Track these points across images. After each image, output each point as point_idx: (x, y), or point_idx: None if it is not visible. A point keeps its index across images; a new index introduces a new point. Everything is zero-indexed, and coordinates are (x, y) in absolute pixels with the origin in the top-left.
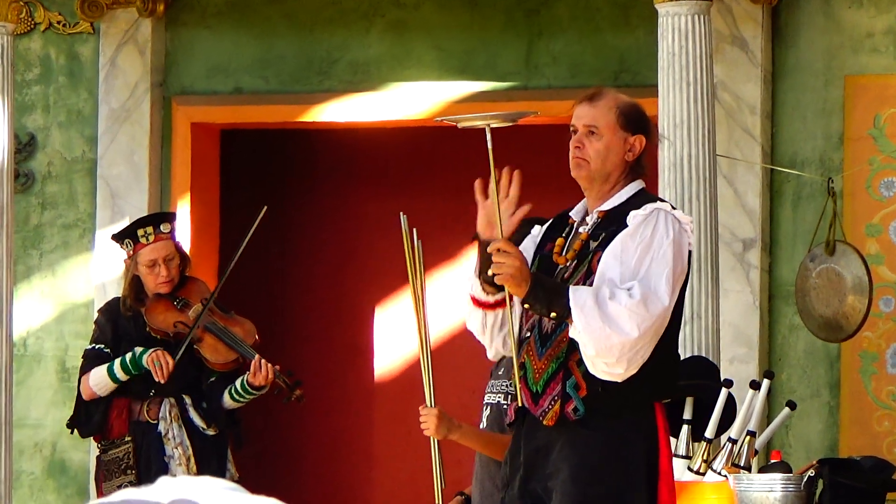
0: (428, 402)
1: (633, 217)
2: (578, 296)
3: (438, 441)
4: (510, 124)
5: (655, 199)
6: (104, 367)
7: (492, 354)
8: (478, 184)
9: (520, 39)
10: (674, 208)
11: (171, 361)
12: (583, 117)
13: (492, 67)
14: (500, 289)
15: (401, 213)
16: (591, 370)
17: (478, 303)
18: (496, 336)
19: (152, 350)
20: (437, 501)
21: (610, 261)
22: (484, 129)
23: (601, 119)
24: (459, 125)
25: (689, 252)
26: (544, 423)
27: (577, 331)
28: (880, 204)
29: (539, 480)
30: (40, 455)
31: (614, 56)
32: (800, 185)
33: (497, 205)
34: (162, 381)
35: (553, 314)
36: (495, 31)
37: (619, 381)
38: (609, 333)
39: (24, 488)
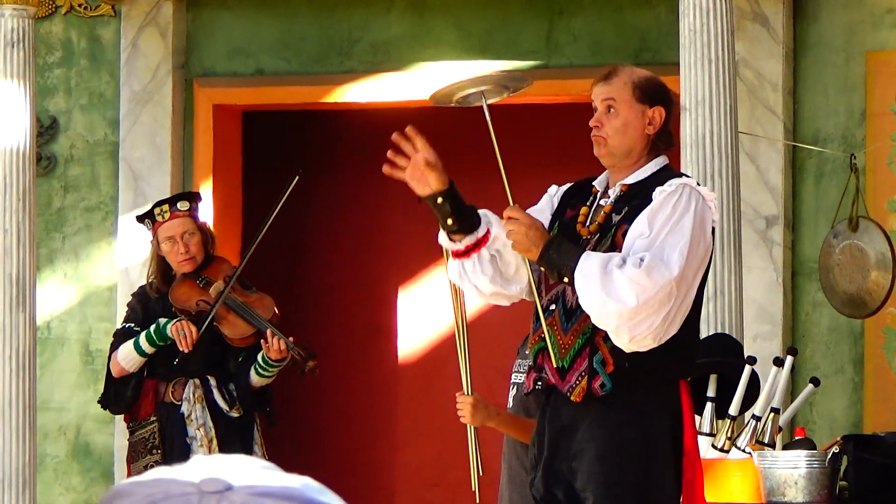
0: (465, 390)
1: (660, 192)
2: (586, 262)
3: (476, 429)
4: (506, 96)
5: (680, 174)
6: (130, 342)
7: (498, 300)
8: (386, 167)
9: (540, 18)
10: (698, 184)
11: (195, 330)
12: (599, 95)
13: (512, 46)
14: (464, 233)
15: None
16: (615, 342)
17: (452, 253)
18: (477, 279)
19: (176, 320)
20: (473, 487)
21: (635, 235)
22: (482, 104)
23: (617, 95)
24: (455, 99)
25: (714, 229)
26: (572, 398)
27: (579, 298)
28: None
29: (564, 460)
30: (64, 438)
31: (635, 34)
32: (822, 161)
33: (503, 175)
34: (186, 350)
35: (566, 279)
36: (516, 10)
37: (643, 350)
38: (606, 301)
39: (49, 471)
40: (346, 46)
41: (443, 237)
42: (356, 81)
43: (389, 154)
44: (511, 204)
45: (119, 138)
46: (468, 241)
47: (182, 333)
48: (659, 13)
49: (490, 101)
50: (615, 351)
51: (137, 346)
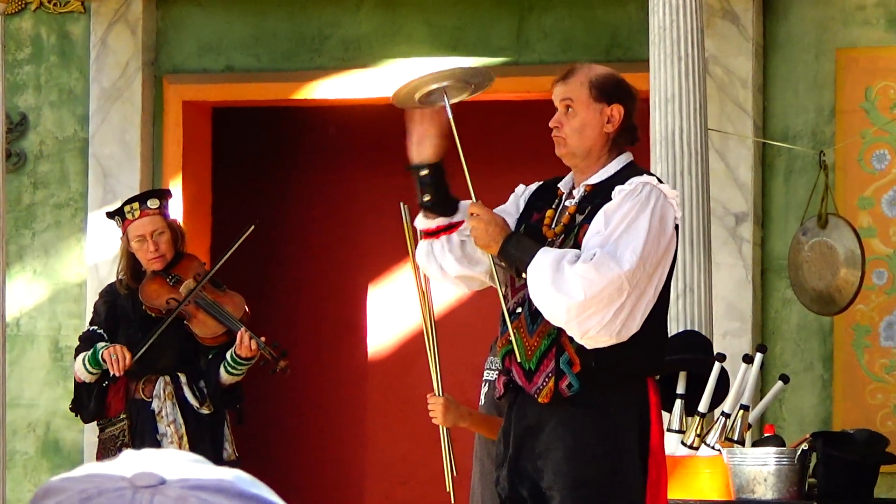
0: (436, 391)
1: (619, 191)
2: (540, 258)
3: (448, 429)
4: (468, 95)
5: (643, 172)
6: (82, 356)
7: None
8: (410, 112)
9: (511, 15)
10: (660, 182)
11: (129, 356)
12: (558, 95)
13: (483, 43)
14: (440, 214)
15: (401, 204)
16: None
17: (423, 233)
18: (444, 259)
19: (109, 345)
20: (448, 488)
21: (591, 233)
22: (444, 104)
23: (574, 94)
24: (417, 97)
25: (677, 227)
26: (539, 400)
27: (530, 292)
28: (872, 177)
29: (530, 459)
30: (34, 435)
31: (605, 31)
32: (792, 158)
33: (466, 171)
34: (118, 374)
35: (523, 274)
36: (486, 7)
37: (602, 346)
38: (555, 296)
39: (18, 468)
40: (316, 43)
41: (419, 216)
42: (327, 78)
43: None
44: (473, 200)
45: (89, 135)
46: (440, 221)
47: (114, 357)
48: (629, 10)
49: (452, 101)
50: (581, 351)
51: (84, 365)
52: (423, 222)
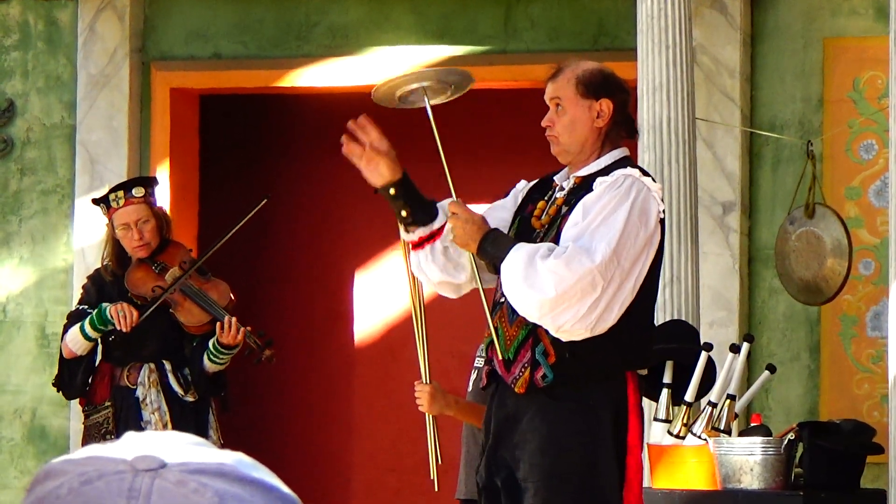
0: (423, 378)
1: (600, 183)
2: (514, 254)
3: (434, 417)
4: (448, 96)
5: (631, 165)
6: (78, 324)
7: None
8: (345, 150)
9: (498, 3)
10: (646, 174)
11: (136, 313)
12: (548, 94)
13: (470, 31)
14: (418, 225)
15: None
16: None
17: (410, 247)
18: (431, 271)
19: (117, 303)
20: (431, 475)
21: (569, 224)
22: (425, 105)
23: (562, 93)
24: (397, 96)
25: (663, 220)
26: (515, 390)
27: (503, 288)
28: (859, 167)
29: (507, 448)
30: (20, 421)
31: (593, 20)
32: (779, 147)
33: (447, 171)
34: (125, 329)
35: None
36: None
37: (579, 339)
38: (527, 291)
39: (4, 454)
40: (303, 31)
41: (401, 230)
42: (314, 65)
43: (344, 139)
44: (454, 198)
45: (76, 121)
46: (421, 232)
47: (122, 314)
48: None
49: (433, 102)
50: (556, 342)
51: (83, 330)
52: (406, 236)
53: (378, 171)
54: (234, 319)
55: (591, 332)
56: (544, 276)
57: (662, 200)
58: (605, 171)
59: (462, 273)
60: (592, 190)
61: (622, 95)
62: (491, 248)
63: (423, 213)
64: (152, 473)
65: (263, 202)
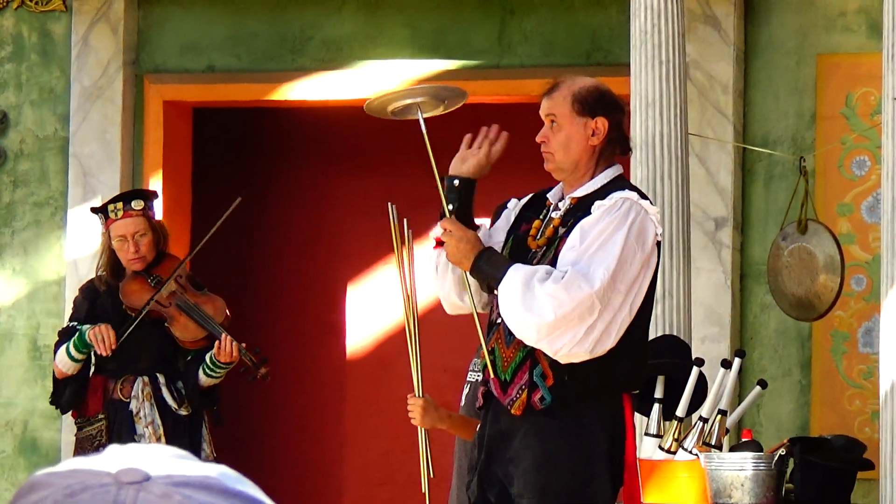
0: (416, 392)
1: (598, 206)
2: (512, 276)
3: (426, 430)
4: (441, 111)
5: (627, 187)
6: (64, 346)
7: (449, 307)
8: (469, 135)
9: (492, 18)
10: (644, 197)
11: (113, 334)
12: (543, 110)
13: (464, 46)
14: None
15: (389, 204)
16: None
17: (437, 241)
18: (445, 276)
19: (95, 325)
20: (423, 489)
21: (567, 248)
22: (418, 118)
23: (558, 110)
24: (390, 110)
25: (659, 243)
26: (512, 412)
27: (500, 310)
28: (852, 183)
29: (501, 464)
30: (11, 434)
31: (586, 35)
32: (772, 163)
33: (440, 187)
34: (104, 355)
35: (495, 291)
36: (468, 10)
37: (577, 361)
38: (525, 315)
39: None
40: (297, 44)
41: (437, 227)
42: (308, 79)
43: (483, 129)
44: (447, 215)
45: (69, 134)
46: None
47: (99, 338)
48: (610, 14)
49: (426, 115)
50: (555, 364)
51: (68, 352)
52: (438, 230)
53: (467, 161)
54: (230, 338)
55: (590, 354)
56: (543, 301)
57: (660, 223)
58: (602, 192)
59: (468, 298)
60: (590, 212)
61: (618, 114)
62: (486, 267)
63: (464, 220)
64: (137, 486)
65: (237, 201)
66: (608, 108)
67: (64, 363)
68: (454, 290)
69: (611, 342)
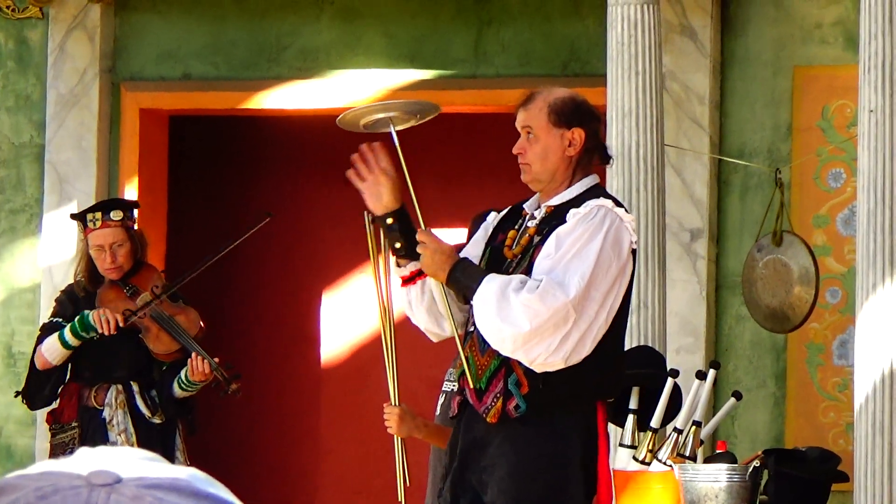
0: (392, 401)
1: (573, 214)
2: (486, 286)
3: (402, 439)
4: (413, 123)
5: (602, 195)
6: (55, 334)
7: (432, 336)
8: (350, 172)
9: (469, 27)
10: (619, 205)
11: (120, 317)
12: (519, 122)
13: (441, 55)
14: (410, 259)
15: (365, 213)
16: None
17: (401, 280)
18: (418, 310)
19: (99, 308)
20: (399, 498)
21: (542, 256)
22: (390, 132)
23: (534, 121)
24: (362, 124)
25: (635, 251)
26: (488, 419)
27: (475, 321)
28: (828, 195)
29: (475, 472)
30: None
31: (564, 45)
32: (747, 175)
33: (414, 199)
34: (108, 333)
35: (470, 302)
36: (445, 19)
37: (552, 370)
38: (500, 326)
39: None
40: (275, 52)
41: (393, 263)
42: (285, 87)
43: (354, 158)
44: (422, 227)
45: (45, 141)
46: (413, 267)
47: (104, 318)
48: (588, 25)
49: (398, 128)
50: (529, 372)
51: (62, 338)
52: (398, 270)
53: (380, 197)
54: (201, 358)
55: (566, 363)
56: (518, 311)
57: (636, 231)
58: (577, 201)
59: (446, 323)
60: (565, 220)
61: (593, 123)
62: (461, 278)
63: (415, 247)
64: (108, 488)
65: (266, 220)
66: (584, 118)
67: (53, 350)
68: (430, 321)
69: (586, 350)
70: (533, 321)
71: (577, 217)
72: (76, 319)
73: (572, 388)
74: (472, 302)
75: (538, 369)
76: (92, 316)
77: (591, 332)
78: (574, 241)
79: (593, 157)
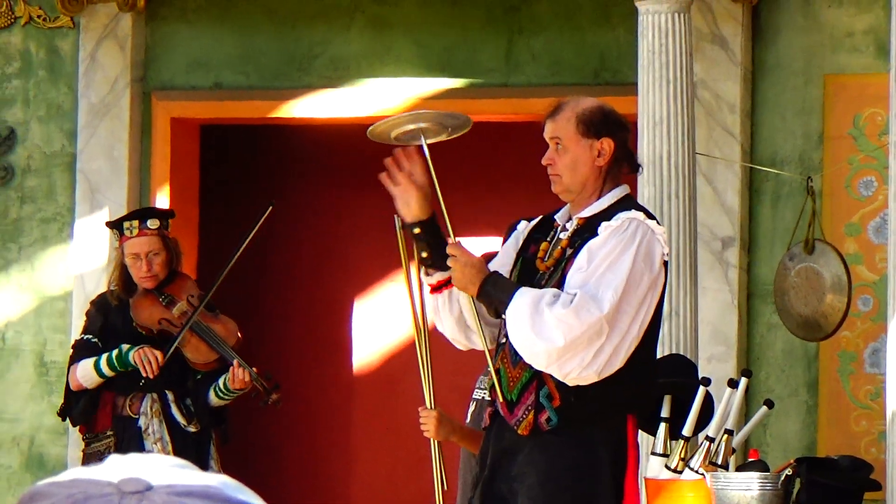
0: (428, 404)
1: (605, 227)
2: (519, 300)
3: (439, 443)
4: (445, 137)
5: (633, 207)
6: (91, 360)
7: (458, 345)
8: (383, 175)
9: (500, 36)
10: (651, 217)
11: (161, 356)
12: (547, 133)
13: (472, 64)
14: (438, 269)
15: (395, 216)
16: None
17: (430, 289)
18: (446, 319)
19: (139, 347)
20: (437, 502)
21: (574, 269)
22: (421, 144)
23: (562, 132)
24: (393, 136)
25: (666, 262)
26: (519, 432)
27: (509, 335)
28: (859, 203)
29: (504, 481)
30: (18, 449)
31: (594, 54)
32: (779, 183)
33: (444, 210)
34: (151, 377)
35: (503, 315)
36: (476, 28)
37: (586, 383)
38: (535, 341)
39: (2, 482)
40: (305, 62)
41: (421, 271)
42: (315, 96)
43: (388, 162)
44: (451, 239)
45: (76, 150)
46: (440, 276)
47: (146, 359)
48: (618, 33)
49: (429, 141)
50: (561, 385)
51: (98, 367)
52: (425, 279)
53: (409, 204)
54: (241, 368)
55: (599, 376)
56: (552, 325)
57: (667, 243)
58: (608, 212)
59: (474, 335)
60: (597, 233)
61: (623, 133)
62: (493, 291)
63: (443, 258)
64: (139, 496)
65: (269, 210)
66: (613, 128)
67: (88, 377)
68: (458, 331)
69: (619, 363)
70: (567, 336)
71: (609, 230)
72: (114, 354)
73: (604, 400)
74: (504, 315)
75: (571, 383)
76: (133, 356)
77: (624, 345)
78: (606, 254)
79: (622, 166)
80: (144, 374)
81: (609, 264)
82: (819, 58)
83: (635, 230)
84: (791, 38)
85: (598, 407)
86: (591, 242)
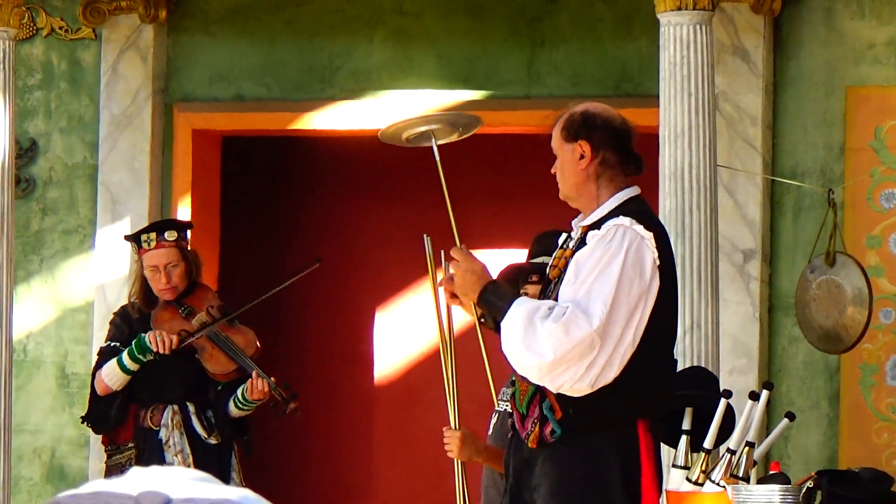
0: (452, 424)
1: (592, 237)
2: (514, 311)
3: (463, 463)
4: (456, 137)
5: (625, 212)
6: (114, 360)
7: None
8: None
9: (521, 48)
10: (638, 222)
11: (176, 338)
12: (552, 143)
13: (493, 76)
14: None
15: (425, 236)
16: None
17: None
18: None
19: (155, 330)
20: None
21: (565, 282)
22: (432, 145)
23: (554, 140)
24: (404, 137)
25: (661, 266)
26: (528, 444)
27: (503, 346)
28: (881, 216)
29: (527, 491)
30: (39, 461)
31: (616, 66)
32: (800, 195)
33: (451, 216)
34: (163, 351)
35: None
36: (497, 40)
37: (579, 395)
38: (526, 354)
39: (23, 494)
40: (326, 73)
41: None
42: (336, 108)
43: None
44: (457, 244)
45: (98, 161)
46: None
47: (160, 338)
48: (640, 45)
49: (440, 142)
50: (561, 397)
51: (121, 363)
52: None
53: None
54: (261, 379)
55: (592, 388)
56: (543, 340)
57: (658, 247)
58: (605, 219)
59: None
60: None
61: (600, 134)
62: (492, 299)
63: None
64: None
65: (315, 265)
66: (590, 129)
67: (113, 376)
68: None
69: (613, 373)
70: (557, 351)
71: (596, 239)
72: (133, 343)
73: (606, 409)
74: (500, 324)
75: (566, 394)
76: (148, 337)
77: (618, 354)
78: (593, 265)
79: (618, 170)
80: (156, 349)
81: (597, 275)
82: (840, 70)
83: (622, 238)
84: (813, 50)
85: (600, 416)
86: (579, 254)
